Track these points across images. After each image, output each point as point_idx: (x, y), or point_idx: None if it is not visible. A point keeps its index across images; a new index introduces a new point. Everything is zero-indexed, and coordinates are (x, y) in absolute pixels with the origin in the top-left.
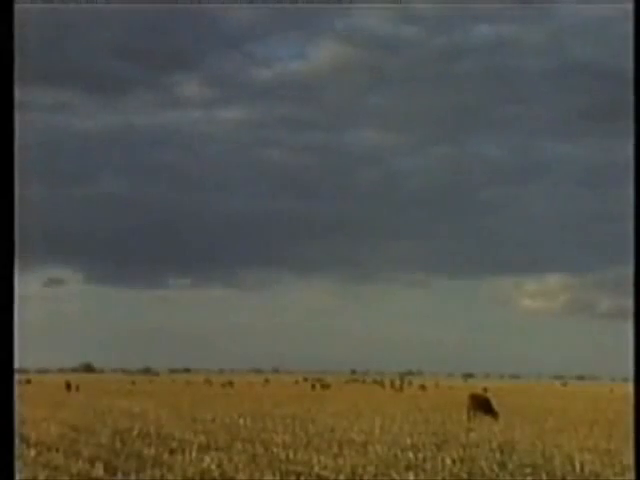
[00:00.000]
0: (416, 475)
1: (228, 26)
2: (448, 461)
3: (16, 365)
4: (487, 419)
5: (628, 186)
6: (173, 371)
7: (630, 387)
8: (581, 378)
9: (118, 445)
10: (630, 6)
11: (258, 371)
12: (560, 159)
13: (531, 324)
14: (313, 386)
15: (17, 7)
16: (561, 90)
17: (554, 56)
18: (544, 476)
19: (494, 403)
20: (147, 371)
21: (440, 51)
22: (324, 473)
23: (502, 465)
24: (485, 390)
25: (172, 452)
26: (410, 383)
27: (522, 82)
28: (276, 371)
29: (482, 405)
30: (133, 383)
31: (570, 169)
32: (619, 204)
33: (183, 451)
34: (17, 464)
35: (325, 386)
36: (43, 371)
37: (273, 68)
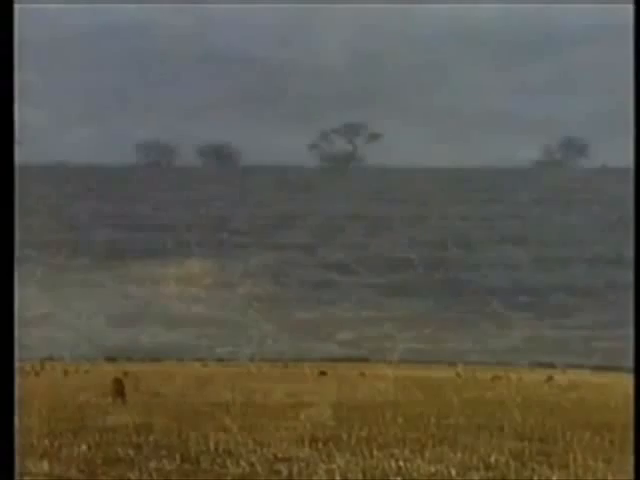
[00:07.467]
0: (50, 463)
1: None
2: (84, 447)
3: None
4: (129, 403)
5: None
6: None
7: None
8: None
9: None
10: (630, 6)
11: None
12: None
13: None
14: None
15: (17, 7)
16: (207, 75)
17: (200, 42)
18: (178, 456)
19: (126, 387)
20: None
21: (84, 31)
22: None
23: (138, 448)
24: (126, 374)
25: None
26: (53, 368)
27: (169, 66)
28: None
29: (120, 389)
30: None
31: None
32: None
33: None
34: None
35: None
36: None
37: None
